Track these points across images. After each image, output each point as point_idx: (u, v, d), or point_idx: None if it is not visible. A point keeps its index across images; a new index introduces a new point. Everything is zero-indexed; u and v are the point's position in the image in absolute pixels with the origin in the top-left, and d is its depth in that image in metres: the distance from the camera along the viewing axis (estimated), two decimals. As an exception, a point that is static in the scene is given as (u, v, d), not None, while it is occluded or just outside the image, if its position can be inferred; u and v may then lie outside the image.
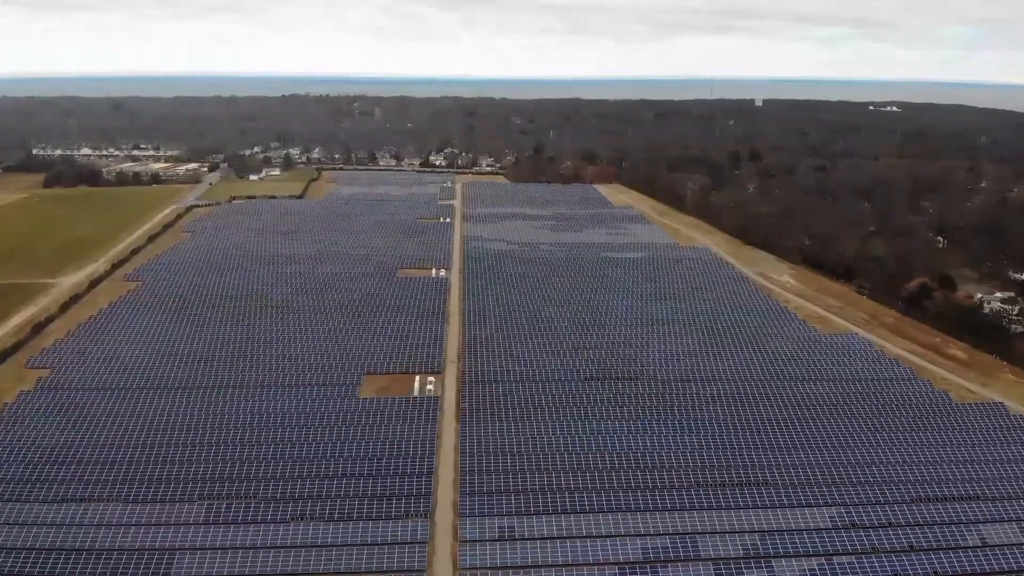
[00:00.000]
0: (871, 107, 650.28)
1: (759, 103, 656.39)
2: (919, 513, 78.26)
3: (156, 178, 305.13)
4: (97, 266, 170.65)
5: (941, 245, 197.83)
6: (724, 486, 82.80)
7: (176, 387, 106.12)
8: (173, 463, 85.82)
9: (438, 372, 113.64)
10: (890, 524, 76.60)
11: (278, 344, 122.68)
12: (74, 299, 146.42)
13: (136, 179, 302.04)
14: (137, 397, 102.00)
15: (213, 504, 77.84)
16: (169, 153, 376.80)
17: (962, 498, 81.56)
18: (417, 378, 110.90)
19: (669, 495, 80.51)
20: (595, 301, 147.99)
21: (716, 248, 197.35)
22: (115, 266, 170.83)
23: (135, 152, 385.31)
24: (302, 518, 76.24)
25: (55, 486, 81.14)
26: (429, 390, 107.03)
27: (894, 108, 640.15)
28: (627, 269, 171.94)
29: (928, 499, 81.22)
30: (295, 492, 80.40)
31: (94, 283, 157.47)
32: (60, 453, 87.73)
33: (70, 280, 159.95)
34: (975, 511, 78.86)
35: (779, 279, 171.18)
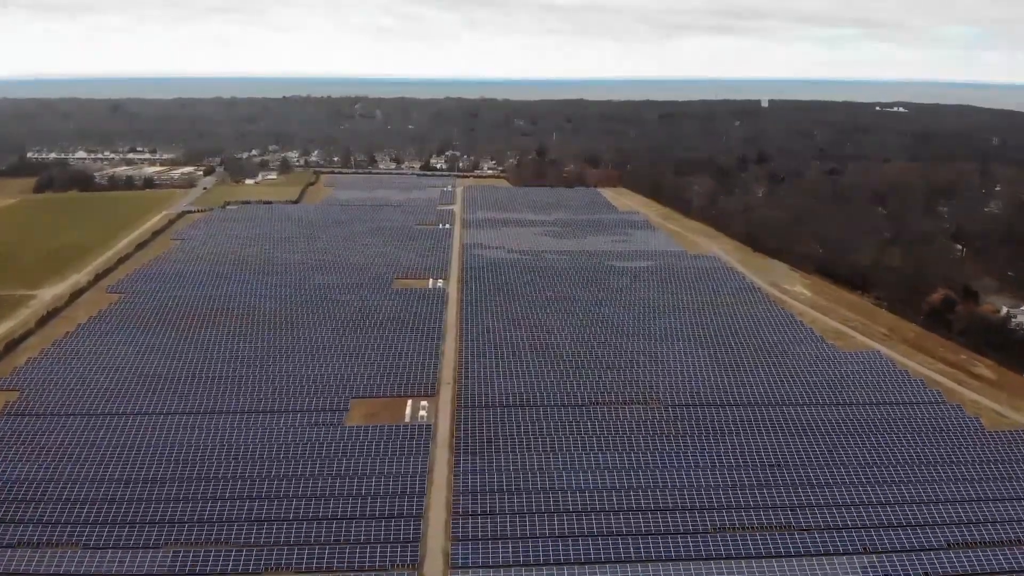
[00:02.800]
0: (877, 108, 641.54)
1: (765, 104, 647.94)
2: (957, 561, 71.14)
3: (149, 182, 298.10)
4: (80, 277, 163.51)
5: (960, 253, 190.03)
6: (744, 530, 75.43)
7: (147, 412, 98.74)
8: (140, 502, 78.66)
9: (432, 395, 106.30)
10: (927, 575, 69.31)
11: (262, 364, 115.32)
12: (53, 313, 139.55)
13: (129, 183, 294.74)
14: (106, 425, 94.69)
15: (180, 551, 70.63)
16: (165, 156, 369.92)
17: (1002, 543, 74.50)
18: (409, 402, 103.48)
19: (683, 541, 73.10)
20: (601, 314, 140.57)
21: (725, 256, 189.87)
22: (99, 276, 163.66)
23: (131, 155, 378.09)
24: (276, 568, 69.01)
25: (11, 528, 74.40)
26: (422, 416, 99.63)
27: (900, 109, 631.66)
28: (634, 279, 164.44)
29: (967, 544, 74.06)
30: (270, 537, 73.10)
31: (75, 295, 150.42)
32: (20, 489, 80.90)
33: (51, 292, 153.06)
34: (1018, 558, 71.68)
35: (792, 289, 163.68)
